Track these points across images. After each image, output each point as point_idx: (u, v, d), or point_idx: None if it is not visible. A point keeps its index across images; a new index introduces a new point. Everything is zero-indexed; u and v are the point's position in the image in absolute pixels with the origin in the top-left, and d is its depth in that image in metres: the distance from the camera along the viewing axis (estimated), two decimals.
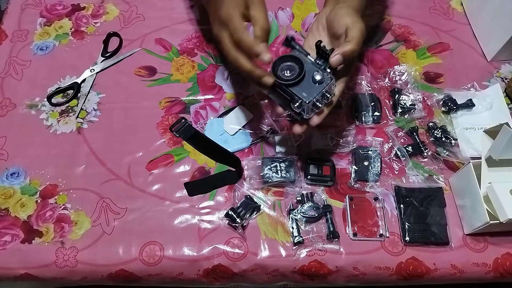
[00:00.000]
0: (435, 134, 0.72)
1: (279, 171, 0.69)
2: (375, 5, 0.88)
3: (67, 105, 0.77)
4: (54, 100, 0.77)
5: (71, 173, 0.70)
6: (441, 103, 0.76)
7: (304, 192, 0.68)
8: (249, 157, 0.72)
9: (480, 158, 0.64)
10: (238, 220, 0.64)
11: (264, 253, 0.64)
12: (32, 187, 0.69)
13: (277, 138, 0.72)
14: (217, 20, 0.61)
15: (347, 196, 0.68)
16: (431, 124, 0.74)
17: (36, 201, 0.68)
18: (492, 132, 0.66)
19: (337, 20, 0.60)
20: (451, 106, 0.75)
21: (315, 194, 0.68)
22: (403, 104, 0.75)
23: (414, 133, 0.73)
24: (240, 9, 0.59)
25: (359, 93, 0.77)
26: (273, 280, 0.66)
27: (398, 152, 0.71)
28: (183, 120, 0.74)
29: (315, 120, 0.60)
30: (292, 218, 0.66)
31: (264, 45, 0.57)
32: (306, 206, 0.66)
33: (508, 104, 0.76)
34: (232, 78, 0.79)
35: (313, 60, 0.59)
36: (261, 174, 0.69)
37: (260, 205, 0.67)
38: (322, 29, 0.64)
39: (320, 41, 0.58)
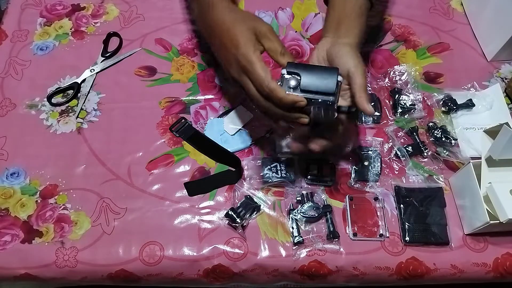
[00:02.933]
0: (435, 134, 0.72)
1: (279, 171, 0.69)
2: (376, 5, 0.88)
3: (67, 105, 0.77)
4: (54, 100, 0.77)
5: (71, 173, 0.70)
6: (441, 103, 0.76)
7: (304, 192, 0.68)
8: (249, 157, 0.72)
9: (480, 158, 0.64)
10: (238, 220, 0.64)
11: (264, 253, 0.64)
12: (32, 187, 0.69)
13: (277, 138, 0.72)
14: (235, 63, 0.57)
15: (347, 196, 0.68)
16: (431, 124, 0.74)
17: (36, 201, 0.68)
18: (492, 132, 0.66)
19: (338, 59, 0.58)
20: (451, 106, 0.75)
21: (315, 194, 0.68)
22: (403, 104, 0.75)
23: (414, 133, 0.73)
24: (257, 48, 0.56)
25: None
26: (273, 280, 0.66)
27: (398, 152, 0.71)
28: (183, 120, 0.74)
29: (369, 107, 0.55)
30: (292, 218, 0.66)
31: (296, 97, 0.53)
32: (306, 206, 0.66)
33: (508, 104, 0.76)
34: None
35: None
36: (261, 174, 0.69)
37: (260, 205, 0.67)
38: (323, 61, 0.62)
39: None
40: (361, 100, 0.55)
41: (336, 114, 0.57)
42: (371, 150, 0.71)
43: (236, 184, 0.69)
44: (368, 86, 0.78)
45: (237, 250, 0.65)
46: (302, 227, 0.66)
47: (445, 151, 0.72)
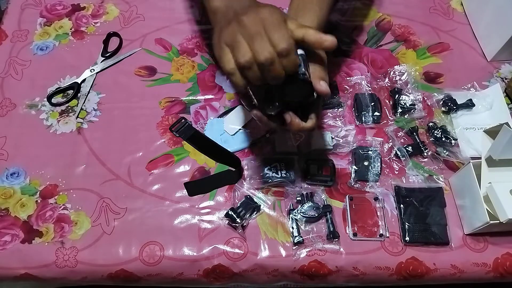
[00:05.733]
0: (435, 134, 0.72)
1: (279, 171, 0.69)
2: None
3: (67, 105, 0.77)
4: (54, 100, 0.77)
5: (71, 173, 0.70)
6: (441, 103, 0.76)
7: (304, 192, 0.68)
8: (249, 157, 0.72)
9: (480, 158, 0.64)
10: (238, 220, 0.64)
11: (264, 253, 0.64)
12: (32, 187, 0.69)
13: (277, 138, 0.72)
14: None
15: (347, 196, 0.68)
16: (431, 124, 0.74)
17: (36, 201, 0.68)
18: (492, 132, 0.66)
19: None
20: (451, 106, 0.75)
21: (315, 194, 0.68)
22: (403, 104, 0.75)
23: (414, 133, 0.73)
24: None
25: (359, 93, 0.77)
26: (273, 280, 0.66)
27: (398, 152, 0.71)
28: (183, 120, 0.74)
29: (324, 86, 0.53)
30: (292, 218, 0.66)
31: None
32: (306, 206, 0.66)
33: (508, 104, 0.76)
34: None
35: None
36: (261, 174, 0.69)
37: (260, 205, 0.67)
38: None
39: None
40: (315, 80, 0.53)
41: (314, 93, 0.54)
42: (371, 150, 0.71)
43: (236, 184, 0.69)
44: (368, 86, 0.78)
45: (237, 250, 0.65)
46: (302, 227, 0.66)
47: (445, 151, 0.72)
